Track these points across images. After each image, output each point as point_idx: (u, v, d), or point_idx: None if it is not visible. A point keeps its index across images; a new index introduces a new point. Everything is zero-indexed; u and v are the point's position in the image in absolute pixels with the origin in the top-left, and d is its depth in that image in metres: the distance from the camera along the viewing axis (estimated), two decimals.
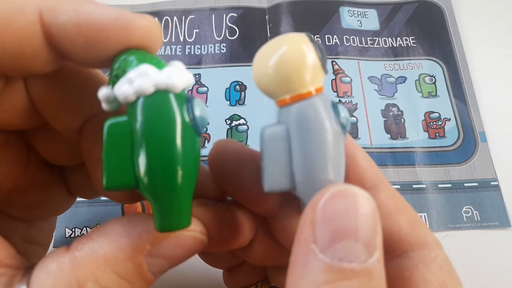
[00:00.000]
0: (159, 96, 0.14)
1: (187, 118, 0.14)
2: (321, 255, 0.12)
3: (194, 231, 0.16)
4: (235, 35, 0.37)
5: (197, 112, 0.14)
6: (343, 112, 0.14)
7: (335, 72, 0.35)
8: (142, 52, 0.14)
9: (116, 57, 0.14)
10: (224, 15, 0.38)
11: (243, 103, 0.34)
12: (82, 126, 0.17)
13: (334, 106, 0.14)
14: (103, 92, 0.14)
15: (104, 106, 0.14)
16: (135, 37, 0.14)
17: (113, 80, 0.14)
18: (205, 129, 0.15)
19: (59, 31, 0.13)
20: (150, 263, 0.15)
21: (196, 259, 0.18)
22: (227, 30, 0.37)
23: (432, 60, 0.36)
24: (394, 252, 0.16)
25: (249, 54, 0.36)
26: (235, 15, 0.38)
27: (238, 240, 0.18)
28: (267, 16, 0.37)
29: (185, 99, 0.14)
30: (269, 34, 0.37)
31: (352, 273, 0.12)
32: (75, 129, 0.17)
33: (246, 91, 0.34)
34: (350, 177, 0.16)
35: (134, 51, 0.14)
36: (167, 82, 0.14)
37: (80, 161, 0.20)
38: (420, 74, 0.35)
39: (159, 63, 0.14)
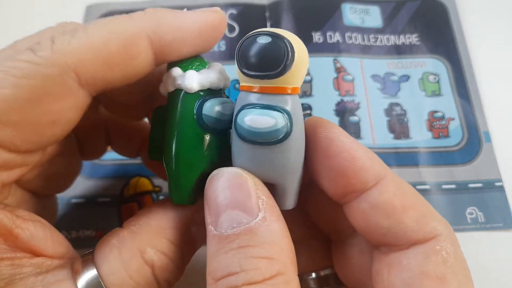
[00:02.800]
0: (175, 94, 0.17)
1: (192, 114, 0.16)
2: (214, 232, 0.14)
3: None
4: (234, 32, 0.36)
5: (203, 110, 0.16)
6: (240, 121, 0.15)
7: (337, 70, 0.35)
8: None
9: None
10: (224, 11, 0.37)
11: None
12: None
13: (240, 109, 0.15)
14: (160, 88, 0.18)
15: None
16: (218, 31, 0.17)
17: None
18: (211, 126, 0.17)
19: (167, 49, 0.16)
20: (194, 231, 0.17)
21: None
22: (226, 27, 0.36)
23: (436, 58, 0.35)
24: (401, 246, 0.16)
25: None
26: (235, 12, 0.37)
27: None
28: (267, 13, 0.37)
29: (199, 98, 0.16)
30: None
31: (234, 236, 0.14)
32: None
33: None
34: (351, 180, 0.16)
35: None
36: (180, 83, 0.16)
37: (97, 129, 0.24)
38: (424, 73, 0.35)
39: (188, 66, 0.17)
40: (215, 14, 0.17)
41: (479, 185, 0.31)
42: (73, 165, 0.24)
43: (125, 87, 0.19)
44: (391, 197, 0.16)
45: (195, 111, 0.16)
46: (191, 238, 0.17)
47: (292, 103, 0.15)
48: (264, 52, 0.14)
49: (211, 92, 0.17)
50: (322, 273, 0.21)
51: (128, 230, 0.17)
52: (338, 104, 0.33)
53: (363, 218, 0.16)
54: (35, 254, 0.16)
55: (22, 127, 0.14)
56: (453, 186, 0.31)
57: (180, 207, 0.17)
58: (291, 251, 0.15)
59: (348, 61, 0.35)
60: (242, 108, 0.15)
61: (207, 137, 0.17)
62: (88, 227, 0.29)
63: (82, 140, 0.24)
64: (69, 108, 0.15)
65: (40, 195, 0.22)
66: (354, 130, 0.32)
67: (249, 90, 0.15)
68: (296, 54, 0.15)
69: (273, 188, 0.16)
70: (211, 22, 0.17)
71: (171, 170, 0.17)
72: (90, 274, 0.15)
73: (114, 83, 0.16)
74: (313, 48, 0.35)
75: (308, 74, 0.34)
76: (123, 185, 0.31)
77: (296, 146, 0.16)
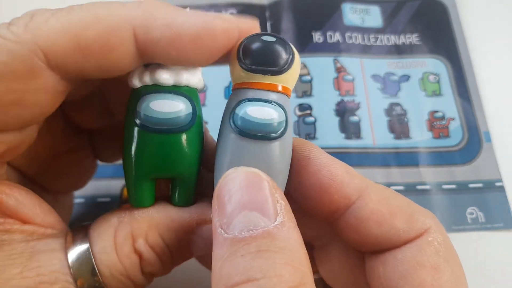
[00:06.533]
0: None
1: (133, 112, 0.15)
2: (226, 235, 0.13)
3: None
4: None
5: (138, 108, 0.15)
6: (240, 112, 0.15)
7: (338, 70, 0.34)
8: None
9: None
10: (223, 11, 0.37)
11: None
12: None
13: (238, 103, 0.15)
14: None
15: None
16: (219, 42, 0.15)
17: None
18: (150, 126, 0.15)
19: (153, 46, 0.14)
20: (192, 241, 0.17)
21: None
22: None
23: (436, 58, 0.35)
24: (395, 246, 0.16)
25: None
26: (235, 12, 0.37)
27: None
28: (267, 13, 0.37)
29: (141, 94, 0.15)
30: (269, 32, 0.36)
31: (251, 239, 0.13)
32: None
33: None
34: (334, 197, 0.16)
35: None
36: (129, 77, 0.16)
37: (107, 122, 0.22)
38: (424, 73, 0.35)
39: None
40: (224, 23, 0.15)
41: (480, 185, 0.31)
42: (86, 164, 0.23)
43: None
44: (377, 205, 0.16)
45: (135, 109, 0.15)
46: (185, 245, 0.17)
47: (286, 102, 0.16)
48: (271, 48, 0.15)
49: (158, 88, 0.15)
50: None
51: (130, 213, 0.16)
52: (338, 104, 0.33)
53: (355, 232, 0.16)
54: (25, 221, 0.15)
55: None
56: (453, 186, 0.31)
57: (187, 213, 0.17)
58: (308, 261, 0.14)
59: (348, 61, 0.35)
60: (240, 102, 0.15)
61: (150, 138, 0.15)
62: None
63: (98, 142, 0.23)
64: (36, 90, 0.14)
65: (52, 191, 0.21)
66: (354, 130, 0.32)
67: (247, 86, 0.16)
68: (295, 56, 0.16)
69: None
70: (213, 29, 0.14)
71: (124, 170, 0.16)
72: (82, 248, 0.15)
73: (89, 73, 0.14)
74: (313, 48, 0.35)
75: (308, 74, 0.34)
76: (123, 185, 0.30)
77: (290, 144, 0.16)
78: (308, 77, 0.34)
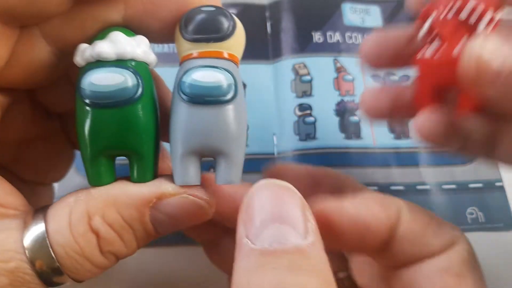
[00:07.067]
0: None
1: (78, 89, 0.15)
2: (252, 246, 0.13)
3: (198, 197, 0.16)
4: None
5: (81, 84, 0.15)
6: (187, 80, 0.15)
7: (338, 70, 0.35)
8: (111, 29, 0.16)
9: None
10: None
11: None
12: None
13: (184, 73, 0.15)
14: None
15: None
16: None
17: None
18: (93, 101, 0.15)
19: None
20: (153, 216, 0.16)
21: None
22: None
23: None
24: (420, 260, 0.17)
25: (248, 52, 0.35)
26: (235, 12, 0.37)
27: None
28: (267, 13, 0.37)
29: (84, 71, 0.15)
30: (269, 31, 0.36)
31: (282, 252, 0.12)
32: None
33: (245, 89, 0.34)
34: (372, 242, 0.16)
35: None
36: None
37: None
38: None
39: (97, 38, 0.16)
40: None
41: (480, 185, 0.31)
42: (61, 152, 0.23)
43: None
44: (409, 225, 0.16)
45: (80, 86, 0.15)
46: (147, 222, 0.16)
47: (234, 68, 0.16)
48: (211, 16, 0.16)
49: (101, 64, 0.15)
50: (341, 275, 0.20)
51: (87, 192, 0.16)
52: (338, 104, 0.33)
53: (388, 255, 0.17)
54: None
55: None
56: (453, 186, 0.31)
57: (146, 188, 0.16)
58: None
59: (348, 61, 0.35)
60: (186, 71, 0.15)
61: (96, 114, 0.15)
62: None
63: (71, 128, 0.23)
64: None
65: (29, 182, 0.21)
66: (354, 130, 0.32)
67: (193, 57, 0.16)
68: (237, 23, 0.16)
69: (217, 163, 0.16)
70: None
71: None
72: (39, 228, 0.15)
73: (20, 10, 0.14)
74: (313, 48, 0.35)
75: (308, 74, 0.34)
76: None
77: (242, 110, 0.16)
78: (308, 77, 0.34)
